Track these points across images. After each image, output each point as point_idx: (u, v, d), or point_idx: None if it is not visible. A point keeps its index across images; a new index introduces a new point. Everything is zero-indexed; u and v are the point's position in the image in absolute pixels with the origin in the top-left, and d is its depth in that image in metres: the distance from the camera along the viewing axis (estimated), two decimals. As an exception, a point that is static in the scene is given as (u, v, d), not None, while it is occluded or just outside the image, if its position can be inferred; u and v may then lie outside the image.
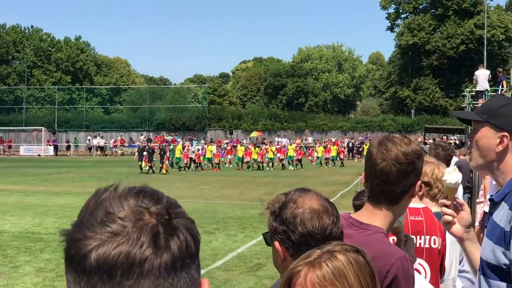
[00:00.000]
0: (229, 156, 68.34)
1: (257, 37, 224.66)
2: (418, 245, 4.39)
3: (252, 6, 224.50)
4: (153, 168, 52.80)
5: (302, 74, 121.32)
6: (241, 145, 67.91)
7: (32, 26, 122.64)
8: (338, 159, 67.50)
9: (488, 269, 3.32)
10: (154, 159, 53.84)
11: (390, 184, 3.32)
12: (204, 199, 30.14)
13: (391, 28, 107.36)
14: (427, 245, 4.59)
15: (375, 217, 3.36)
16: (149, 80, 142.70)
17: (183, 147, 60.87)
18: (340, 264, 2.11)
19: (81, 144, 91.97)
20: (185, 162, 57.52)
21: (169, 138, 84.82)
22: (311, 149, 75.63)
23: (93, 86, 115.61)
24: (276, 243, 2.79)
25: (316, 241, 2.60)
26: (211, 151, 61.91)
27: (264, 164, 61.39)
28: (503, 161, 3.48)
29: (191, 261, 1.34)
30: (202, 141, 78.35)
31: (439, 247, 4.66)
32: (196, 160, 58.68)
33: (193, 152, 59.55)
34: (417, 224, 4.56)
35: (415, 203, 4.38)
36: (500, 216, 3.29)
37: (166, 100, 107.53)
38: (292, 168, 60.56)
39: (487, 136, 3.52)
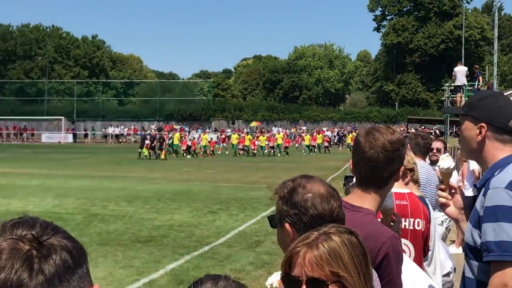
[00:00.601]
0: (223, 144, 68.24)
1: (257, 36, 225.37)
2: (403, 227, 4.42)
3: (253, 7, 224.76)
4: (157, 155, 52.63)
5: (297, 70, 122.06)
6: (234, 134, 68.77)
7: (53, 25, 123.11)
8: (323, 146, 67.50)
9: (468, 250, 3.41)
10: (155, 147, 53.54)
11: (378, 170, 3.33)
12: (209, 182, 30.16)
13: (377, 29, 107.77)
14: (411, 227, 4.62)
15: (364, 200, 3.35)
16: (159, 75, 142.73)
17: (181, 136, 61.01)
18: (335, 245, 2.09)
19: (98, 132, 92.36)
20: (183, 149, 57.49)
21: (178, 127, 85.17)
22: (297, 137, 75.70)
23: (108, 80, 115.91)
24: (287, 225, 2.73)
25: (325, 222, 2.52)
26: (206, 139, 61.95)
27: (255, 151, 61.37)
28: (483, 149, 3.50)
29: (71, 274, 1.32)
30: (208, 130, 78.60)
31: (422, 229, 4.68)
32: (192, 147, 58.76)
33: (190, 140, 59.95)
34: (403, 207, 4.56)
35: (400, 189, 4.46)
36: (479, 201, 3.35)
37: (175, 93, 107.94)
38: (279, 155, 60.43)
39: (469, 128, 3.55)
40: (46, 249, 1.30)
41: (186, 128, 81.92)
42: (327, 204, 2.71)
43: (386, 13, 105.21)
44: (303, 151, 66.84)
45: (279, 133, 69.04)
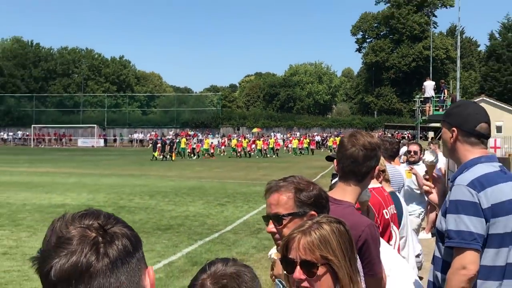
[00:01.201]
0: (222, 147, 68.08)
1: (258, 56, 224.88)
2: (387, 215, 4.41)
3: (255, 31, 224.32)
4: (166, 157, 52.33)
5: (291, 85, 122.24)
6: (233, 139, 68.78)
7: (86, 48, 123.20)
8: (309, 149, 67.17)
9: (437, 234, 3.52)
10: (166, 150, 53.41)
11: (357, 165, 3.32)
12: (218, 179, 30.12)
13: (359, 50, 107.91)
14: (392, 212, 4.56)
15: (346, 192, 3.34)
16: (176, 89, 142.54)
17: (187, 139, 61.39)
18: (326, 233, 2.14)
19: (125, 137, 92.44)
20: (188, 151, 57.49)
21: (192, 133, 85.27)
22: (286, 141, 75.42)
23: (133, 94, 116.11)
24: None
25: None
26: (208, 143, 61.75)
27: (252, 153, 61.24)
28: (456, 150, 3.56)
29: (131, 257, 1.34)
30: (217, 135, 78.66)
31: (388, 217, 4.60)
32: (196, 149, 58.62)
33: (194, 143, 60.34)
34: (384, 198, 4.53)
35: (375, 184, 4.40)
36: (448, 194, 3.43)
37: (189, 104, 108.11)
38: (274, 156, 59.74)
39: (445, 132, 3.62)
40: (110, 236, 1.32)
41: (199, 134, 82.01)
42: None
43: (366, 36, 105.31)
44: (290, 152, 66.94)
45: (276, 139, 69.19)
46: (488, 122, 3.53)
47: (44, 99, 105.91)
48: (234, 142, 64.88)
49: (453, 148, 3.56)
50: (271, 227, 2.74)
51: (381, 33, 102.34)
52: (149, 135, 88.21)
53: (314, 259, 2.11)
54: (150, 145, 57.05)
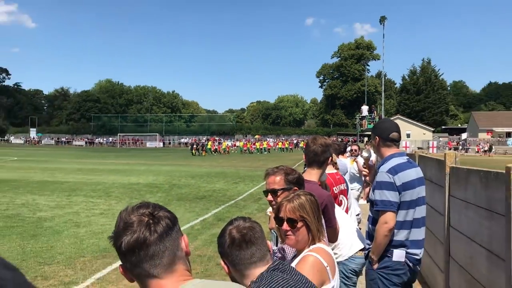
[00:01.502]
0: (234, 147, 67.40)
1: (258, 89, 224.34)
2: (339, 190, 4.32)
3: (257, 72, 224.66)
4: (199, 153, 51.99)
5: (279, 108, 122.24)
6: (240, 141, 68.45)
7: (151, 86, 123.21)
8: (289, 148, 66.72)
9: (370, 203, 3.56)
10: (198, 149, 53.15)
11: (317, 156, 3.34)
12: (233, 167, 30.11)
13: (321, 86, 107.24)
14: (344, 188, 4.49)
15: (311, 175, 3.35)
16: (207, 111, 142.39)
17: (212, 143, 61.30)
18: (302, 201, 2.19)
19: (176, 141, 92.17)
20: (212, 150, 56.89)
21: (217, 138, 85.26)
22: (275, 143, 74.28)
23: (181, 114, 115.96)
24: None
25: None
26: (225, 144, 61.91)
27: (253, 151, 60.62)
28: (379, 150, 3.58)
29: (171, 231, 1.36)
30: (231, 140, 78.54)
31: (345, 189, 4.57)
32: (218, 148, 58.44)
33: (216, 145, 59.92)
34: (338, 179, 4.45)
35: (331, 170, 4.33)
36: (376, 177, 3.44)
37: (215, 120, 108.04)
38: (266, 153, 58.79)
39: (373, 138, 3.64)
40: (157, 218, 1.35)
41: (222, 139, 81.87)
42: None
43: (325, 78, 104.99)
44: (276, 151, 66.02)
45: (268, 142, 69.10)
46: (398, 131, 3.58)
47: (126, 117, 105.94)
48: (241, 144, 64.55)
49: (377, 148, 3.60)
50: (270, 197, 2.77)
51: (335, 76, 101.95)
52: (190, 140, 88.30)
53: (295, 217, 2.16)
54: (190, 146, 56.79)
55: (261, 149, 61.23)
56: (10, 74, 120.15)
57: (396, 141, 3.52)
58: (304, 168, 4.29)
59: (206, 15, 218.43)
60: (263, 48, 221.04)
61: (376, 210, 3.33)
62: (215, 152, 56.88)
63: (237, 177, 22.27)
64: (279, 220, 2.22)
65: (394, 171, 3.32)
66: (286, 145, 67.39)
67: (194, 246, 7.70)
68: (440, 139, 68.59)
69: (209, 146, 56.65)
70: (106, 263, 6.51)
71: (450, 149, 58.00)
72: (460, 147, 59.84)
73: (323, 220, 2.70)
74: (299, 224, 2.17)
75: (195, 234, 8.71)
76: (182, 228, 6.19)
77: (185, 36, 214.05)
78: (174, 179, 20.44)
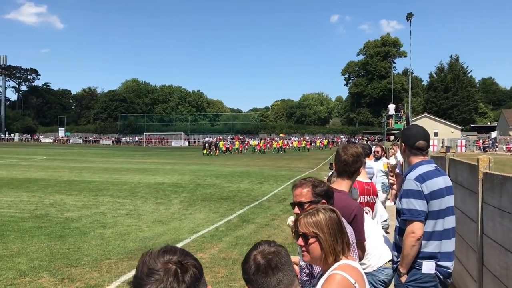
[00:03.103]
0: (246, 147, 65.74)
1: (283, 87, 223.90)
2: (367, 201, 4.23)
3: (282, 72, 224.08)
4: (212, 153, 51.03)
5: (304, 106, 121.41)
6: (253, 140, 67.50)
7: (177, 85, 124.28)
8: (306, 148, 65.03)
9: (396, 212, 3.45)
10: (211, 148, 52.49)
11: (348, 166, 3.24)
12: (257, 166, 30.10)
13: (346, 84, 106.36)
14: (372, 201, 4.39)
15: (342, 185, 3.25)
16: (231, 110, 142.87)
17: (224, 142, 60.29)
18: (319, 217, 2.12)
19: (200, 140, 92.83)
20: (224, 149, 55.43)
21: (241, 137, 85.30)
22: (298, 141, 72.35)
23: (206, 113, 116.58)
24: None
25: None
26: (238, 143, 61.19)
27: (267, 150, 59.64)
28: (406, 157, 3.52)
29: (198, 282, 1.27)
30: (256, 139, 78.39)
31: (374, 201, 4.48)
32: (229, 148, 57.53)
33: (227, 145, 58.93)
34: (367, 190, 4.32)
35: (366, 179, 4.26)
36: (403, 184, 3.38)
37: (239, 119, 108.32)
38: (281, 152, 57.06)
39: (400, 145, 3.57)
40: (185, 268, 1.26)
41: (247, 138, 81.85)
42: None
43: (351, 76, 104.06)
44: (291, 150, 64.61)
45: (299, 141, 68.19)
46: (425, 139, 3.46)
47: (152, 117, 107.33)
48: (254, 143, 63.38)
49: (405, 156, 3.53)
50: (296, 210, 2.68)
51: (360, 74, 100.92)
52: (215, 138, 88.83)
53: (308, 233, 2.11)
54: (203, 145, 55.89)
55: (278, 148, 60.37)
56: (39, 75, 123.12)
57: (422, 150, 3.41)
58: (330, 168, 4.21)
59: (230, 14, 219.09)
60: (288, 46, 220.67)
61: (403, 219, 3.23)
62: (227, 152, 55.64)
63: (261, 177, 22.16)
64: (296, 234, 2.19)
65: (422, 178, 3.22)
66: (303, 144, 66.37)
67: (218, 249, 7.67)
68: (469, 137, 67.09)
69: (220, 146, 55.83)
70: (132, 266, 6.54)
71: (479, 148, 56.67)
72: (490, 146, 58.39)
73: (351, 233, 2.61)
74: (311, 240, 2.11)
75: (220, 236, 8.67)
76: (207, 230, 6.16)
77: (210, 35, 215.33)
78: (199, 179, 20.49)
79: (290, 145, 68.04)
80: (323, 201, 2.62)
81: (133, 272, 6.45)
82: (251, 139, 73.84)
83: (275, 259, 1.65)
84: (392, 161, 3.61)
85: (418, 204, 3.16)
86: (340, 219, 2.15)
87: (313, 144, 71.96)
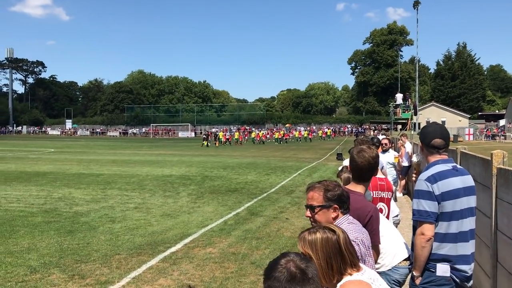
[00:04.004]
0: (246, 137, 64.85)
1: (289, 76, 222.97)
2: (381, 196, 4.19)
3: (288, 61, 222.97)
4: (211, 143, 50.41)
5: (310, 96, 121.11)
6: (254, 130, 66.93)
7: (184, 76, 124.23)
8: (308, 138, 63.41)
9: (412, 213, 3.34)
10: (210, 139, 51.89)
11: (364, 173, 3.19)
12: (265, 157, 30.04)
13: (353, 73, 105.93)
14: (387, 197, 4.34)
15: (357, 188, 3.18)
16: (238, 100, 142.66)
17: (223, 133, 58.81)
18: (315, 237, 2.03)
19: (207, 131, 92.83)
20: (223, 140, 54.14)
21: (247, 127, 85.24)
22: (299, 131, 70.39)
23: (211, 104, 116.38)
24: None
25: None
26: (238, 134, 60.51)
27: (269, 140, 59.12)
28: (423, 155, 3.46)
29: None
30: (262, 129, 78.21)
31: (389, 197, 4.44)
32: (229, 138, 56.76)
33: (227, 135, 58.22)
34: (381, 186, 4.33)
35: (380, 175, 4.26)
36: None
37: (246, 109, 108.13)
38: (282, 143, 56.18)
39: (420, 144, 3.55)
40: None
41: (253, 129, 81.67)
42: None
43: (357, 64, 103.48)
44: (298, 141, 62.87)
45: (300, 132, 67.75)
46: (443, 138, 3.32)
47: (158, 108, 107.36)
48: (253, 134, 62.84)
49: (423, 154, 3.46)
50: (308, 213, 2.63)
51: (367, 62, 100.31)
52: (221, 130, 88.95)
53: (304, 252, 2.04)
54: (203, 136, 54.80)
55: (279, 139, 60.09)
56: (46, 67, 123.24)
57: (439, 148, 3.30)
58: (338, 160, 4.13)
59: (236, 4, 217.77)
60: (293, 35, 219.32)
61: (414, 220, 3.20)
62: (227, 143, 54.81)
63: (268, 168, 22.10)
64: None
65: (433, 179, 3.13)
66: (305, 134, 65.83)
67: (228, 243, 7.65)
68: (477, 125, 66.55)
69: (220, 137, 55.24)
70: (141, 261, 6.53)
71: (487, 136, 56.21)
72: (500, 134, 57.87)
73: (366, 237, 2.55)
74: None
75: (229, 230, 8.65)
76: (215, 224, 6.15)
77: (216, 26, 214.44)
78: (206, 171, 20.46)
79: (290, 135, 67.54)
80: (335, 205, 2.57)
81: (144, 267, 6.40)
82: (256, 130, 73.52)
83: (310, 269, 1.61)
84: (415, 158, 3.49)
85: (428, 205, 3.09)
86: (340, 242, 2.06)
87: (314, 134, 71.14)
